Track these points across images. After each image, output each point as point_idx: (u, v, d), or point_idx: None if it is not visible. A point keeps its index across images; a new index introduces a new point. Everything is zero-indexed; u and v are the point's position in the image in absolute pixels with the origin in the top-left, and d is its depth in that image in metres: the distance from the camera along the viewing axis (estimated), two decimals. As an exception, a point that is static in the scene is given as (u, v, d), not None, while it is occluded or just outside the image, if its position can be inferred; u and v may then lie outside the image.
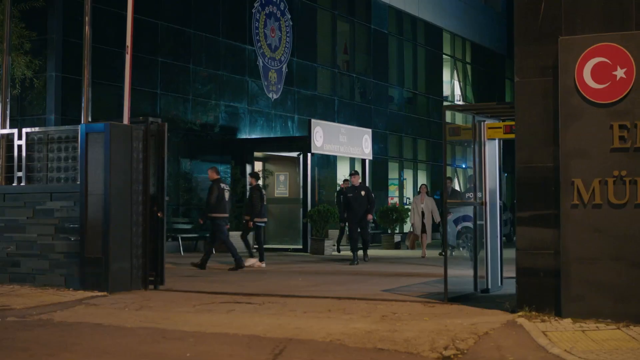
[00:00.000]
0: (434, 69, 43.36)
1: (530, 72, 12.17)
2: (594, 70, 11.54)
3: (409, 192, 39.90)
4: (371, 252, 26.89)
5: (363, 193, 22.30)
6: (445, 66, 44.57)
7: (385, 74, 39.21)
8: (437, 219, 25.85)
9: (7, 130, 16.95)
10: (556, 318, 11.53)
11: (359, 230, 22.85)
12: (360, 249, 23.16)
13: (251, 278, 18.13)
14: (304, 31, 34.00)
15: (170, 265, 19.34)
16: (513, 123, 13.32)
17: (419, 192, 27.00)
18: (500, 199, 15.33)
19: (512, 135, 13.48)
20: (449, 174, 25.91)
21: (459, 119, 32.17)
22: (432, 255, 25.80)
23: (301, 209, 28.34)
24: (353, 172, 24.33)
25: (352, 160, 34.06)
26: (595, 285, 11.44)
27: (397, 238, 31.30)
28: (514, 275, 12.51)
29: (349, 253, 23.48)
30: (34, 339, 10.58)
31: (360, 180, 23.20)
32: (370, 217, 23.15)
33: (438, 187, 41.08)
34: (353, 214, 22.54)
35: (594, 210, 11.48)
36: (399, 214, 31.44)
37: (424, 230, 26.12)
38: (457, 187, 41.65)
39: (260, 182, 23.44)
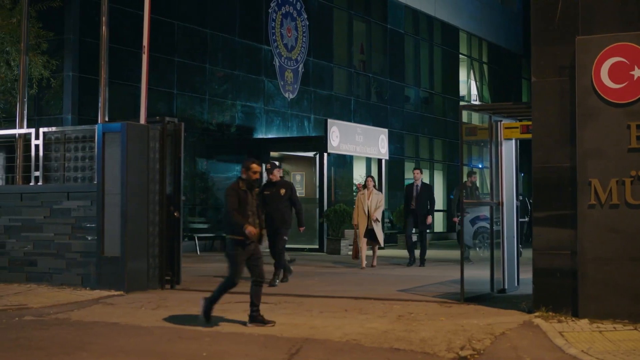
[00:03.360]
0: (451, 68, 43.27)
1: (547, 72, 12.14)
2: (611, 70, 11.50)
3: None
4: (386, 252, 26.87)
5: (283, 192, 17.08)
6: (461, 66, 44.46)
7: (402, 74, 39.16)
8: (377, 215, 20.73)
9: (24, 130, 17.01)
10: (573, 318, 11.49)
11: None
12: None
13: (267, 278, 18.11)
14: (320, 31, 33.99)
15: (187, 265, 19.36)
16: (530, 123, 13.28)
17: (365, 186, 21.29)
18: (528, 199, 15.28)
19: (528, 135, 13.45)
20: (470, 172, 24.74)
21: (476, 118, 32.16)
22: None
23: (317, 209, 28.30)
24: (270, 163, 18.49)
25: (368, 160, 34.02)
26: (612, 285, 11.40)
27: (414, 238, 31.20)
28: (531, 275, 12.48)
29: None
30: (50, 338, 10.62)
31: (281, 175, 17.87)
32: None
33: (454, 188, 41.07)
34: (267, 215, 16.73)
35: (611, 211, 11.44)
36: (415, 213, 31.33)
37: (371, 236, 20.81)
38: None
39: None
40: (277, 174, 17.32)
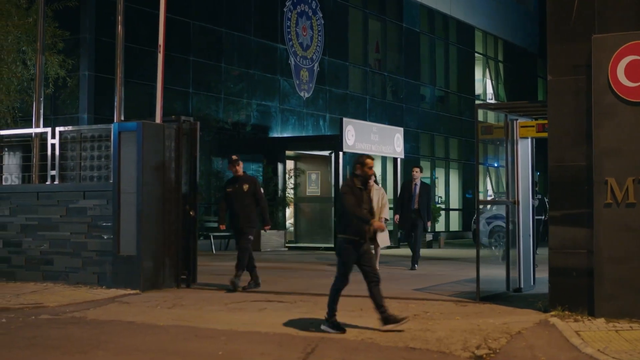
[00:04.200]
0: (466, 67, 43.22)
1: (563, 71, 12.10)
2: (627, 68, 11.45)
3: (440, 191, 39.80)
4: (402, 250, 26.85)
5: (246, 187, 15.63)
6: (477, 64, 44.41)
7: (417, 73, 39.13)
8: (384, 214, 19.02)
9: (40, 129, 17.06)
10: (589, 318, 11.46)
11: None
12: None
13: (282, 277, 18.14)
14: (335, 30, 33.99)
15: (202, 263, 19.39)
16: (546, 122, 13.24)
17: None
18: (546, 198, 15.25)
19: (544, 134, 13.42)
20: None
21: (491, 117, 32.06)
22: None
23: (333, 208, 28.31)
24: (234, 157, 16.16)
25: (383, 159, 34.00)
26: (628, 284, 11.36)
27: (429, 237, 31.20)
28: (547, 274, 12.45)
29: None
30: (66, 336, 10.65)
31: (243, 171, 16.17)
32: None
33: (470, 187, 41.03)
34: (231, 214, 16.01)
35: (627, 210, 11.40)
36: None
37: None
38: (489, 187, 41.59)
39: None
40: (240, 168, 16.00)
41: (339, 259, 11.29)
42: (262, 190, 16.13)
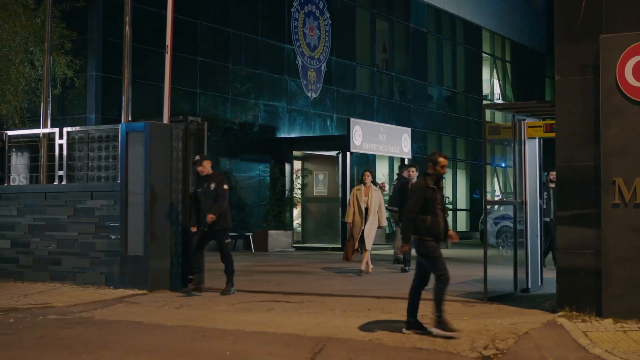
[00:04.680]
0: (473, 67, 43.20)
1: (570, 71, 12.09)
2: (635, 69, 11.43)
3: (448, 191, 39.78)
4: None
5: (213, 186, 14.93)
6: (484, 65, 44.39)
7: (424, 73, 39.12)
8: (383, 222, 18.92)
9: (48, 130, 17.09)
10: (597, 318, 11.44)
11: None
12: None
13: (290, 277, 18.15)
14: (342, 30, 33.99)
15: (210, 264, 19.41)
16: (553, 122, 13.23)
17: (362, 181, 18.95)
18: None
19: (552, 134, 13.40)
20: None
21: (499, 117, 32.01)
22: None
23: (340, 208, 28.30)
24: (196, 157, 15.51)
25: (391, 160, 34.00)
26: (636, 285, 11.34)
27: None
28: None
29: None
30: (74, 336, 10.66)
31: (213, 170, 15.48)
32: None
33: (477, 187, 41.00)
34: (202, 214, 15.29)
35: (635, 210, 11.37)
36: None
37: (361, 238, 18.53)
38: (496, 187, 41.55)
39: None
40: (207, 165, 15.09)
41: (428, 260, 10.85)
42: (225, 188, 15.08)
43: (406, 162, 31.32)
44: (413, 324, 10.81)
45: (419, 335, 10.54)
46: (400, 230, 10.75)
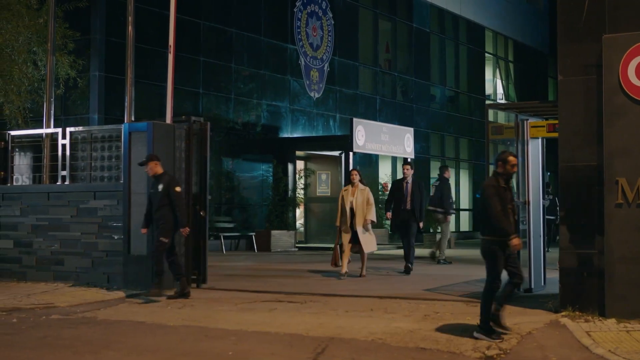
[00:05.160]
0: (476, 67, 43.17)
1: (573, 71, 12.08)
2: (638, 68, 11.42)
3: (451, 191, 39.74)
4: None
5: (160, 187, 14.26)
6: (487, 64, 44.35)
7: (427, 73, 39.11)
8: (369, 216, 17.74)
9: (51, 130, 17.10)
10: (600, 318, 11.44)
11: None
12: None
13: (292, 277, 18.14)
14: (345, 30, 33.99)
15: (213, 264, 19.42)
16: (556, 122, 13.23)
17: (351, 181, 17.95)
18: (557, 198, 15.19)
19: (555, 134, 13.41)
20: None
21: (502, 117, 32.02)
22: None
23: (342, 208, 28.29)
24: (144, 159, 14.77)
25: (394, 159, 33.99)
26: (639, 285, 11.33)
27: (439, 237, 31.14)
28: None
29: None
30: (77, 336, 10.67)
31: (160, 171, 14.58)
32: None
33: (480, 187, 40.91)
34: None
35: (638, 210, 11.36)
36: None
37: (355, 240, 17.63)
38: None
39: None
40: (154, 166, 14.45)
41: (487, 262, 10.67)
42: (178, 189, 14.40)
43: (409, 162, 31.33)
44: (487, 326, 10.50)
45: (421, 334, 10.53)
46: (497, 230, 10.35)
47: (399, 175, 31.88)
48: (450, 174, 19.13)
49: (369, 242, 17.75)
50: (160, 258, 14.31)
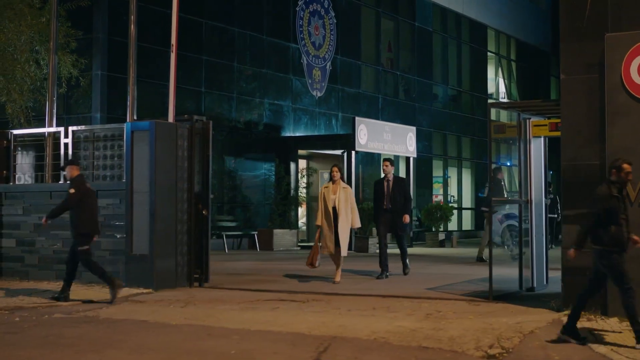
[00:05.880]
0: (479, 66, 43.15)
1: (575, 70, 12.08)
2: (641, 67, 11.43)
3: (453, 190, 39.78)
4: (416, 250, 26.83)
5: (72, 191, 13.70)
6: (489, 63, 44.35)
7: (430, 72, 39.10)
8: (356, 223, 16.91)
9: (53, 129, 17.11)
10: (602, 317, 11.44)
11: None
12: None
13: (295, 276, 18.15)
14: (347, 29, 33.99)
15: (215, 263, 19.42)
16: (558, 121, 13.23)
17: (332, 179, 16.73)
18: (559, 197, 15.19)
19: (557, 133, 13.41)
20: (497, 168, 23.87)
21: (504, 116, 32.01)
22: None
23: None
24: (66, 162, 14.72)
25: (396, 158, 33.99)
26: (642, 284, 11.32)
27: (442, 236, 31.20)
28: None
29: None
30: (80, 335, 10.67)
31: (75, 174, 14.05)
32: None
33: (482, 186, 40.95)
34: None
35: (640, 209, 11.36)
36: (443, 212, 31.32)
37: (336, 242, 16.57)
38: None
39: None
40: (71, 170, 13.94)
41: (613, 273, 10.18)
42: (71, 191, 13.71)
43: (411, 162, 31.34)
44: (571, 330, 10.20)
45: (424, 333, 10.53)
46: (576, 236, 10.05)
47: (402, 174, 31.94)
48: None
49: (346, 245, 16.74)
50: (91, 265, 13.91)
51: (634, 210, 11.35)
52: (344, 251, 16.63)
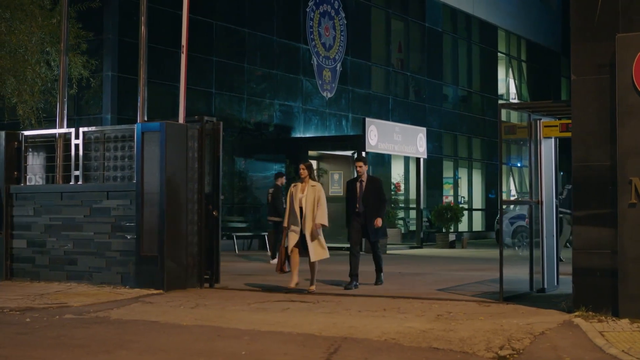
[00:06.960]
0: (489, 67, 43.13)
1: (586, 70, 12.05)
2: (651, 68, 11.40)
3: (463, 191, 39.74)
4: (426, 250, 26.80)
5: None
6: (500, 64, 44.32)
7: (440, 73, 39.09)
8: (320, 220, 15.28)
9: (64, 130, 17.13)
10: (613, 318, 11.40)
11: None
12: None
13: (305, 276, 18.13)
14: (358, 30, 34.00)
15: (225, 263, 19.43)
16: (569, 121, 13.19)
17: (301, 177, 15.63)
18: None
19: (568, 134, 13.37)
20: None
21: (514, 117, 31.97)
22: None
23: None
24: None
25: (406, 159, 33.97)
26: (653, 285, 11.30)
27: (452, 237, 31.18)
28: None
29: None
30: (90, 336, 10.68)
31: None
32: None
33: (492, 187, 40.91)
34: None
35: (652, 210, 11.33)
36: (453, 212, 31.31)
37: (303, 245, 15.28)
38: (512, 187, 41.46)
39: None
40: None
41: None
42: None
43: (421, 162, 31.28)
44: None
45: (434, 334, 10.52)
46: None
47: (412, 176, 31.93)
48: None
49: (318, 249, 15.32)
50: None
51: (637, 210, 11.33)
52: (312, 255, 15.22)
